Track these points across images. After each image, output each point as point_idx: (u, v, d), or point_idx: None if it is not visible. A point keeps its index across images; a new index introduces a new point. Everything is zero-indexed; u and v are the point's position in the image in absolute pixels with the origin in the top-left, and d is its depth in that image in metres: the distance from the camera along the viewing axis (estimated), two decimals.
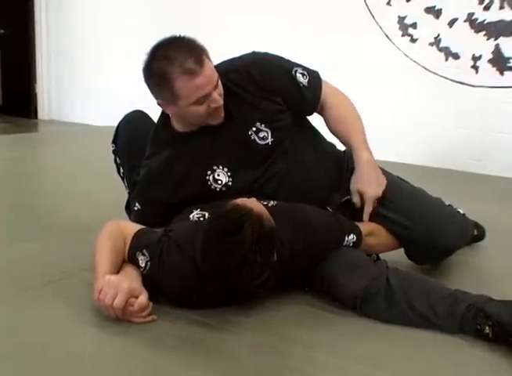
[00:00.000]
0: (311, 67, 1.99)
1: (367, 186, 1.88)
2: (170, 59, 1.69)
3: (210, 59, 1.75)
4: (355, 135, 1.95)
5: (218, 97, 1.75)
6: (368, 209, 1.88)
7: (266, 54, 1.95)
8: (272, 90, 1.87)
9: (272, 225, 1.54)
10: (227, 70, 1.85)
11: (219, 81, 1.76)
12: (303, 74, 1.93)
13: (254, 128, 1.86)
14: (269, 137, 1.87)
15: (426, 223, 1.90)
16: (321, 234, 1.74)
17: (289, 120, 1.91)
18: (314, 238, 1.72)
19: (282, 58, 1.97)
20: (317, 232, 1.73)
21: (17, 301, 1.74)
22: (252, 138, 1.86)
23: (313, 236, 1.72)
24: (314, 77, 1.96)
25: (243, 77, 1.86)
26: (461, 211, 2.07)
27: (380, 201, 1.91)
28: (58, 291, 1.79)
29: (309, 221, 1.74)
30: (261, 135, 1.86)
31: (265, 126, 1.86)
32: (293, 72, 1.92)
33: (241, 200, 1.59)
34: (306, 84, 1.92)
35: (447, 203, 2.09)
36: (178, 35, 1.77)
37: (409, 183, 2.08)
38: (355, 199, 1.90)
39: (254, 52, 1.95)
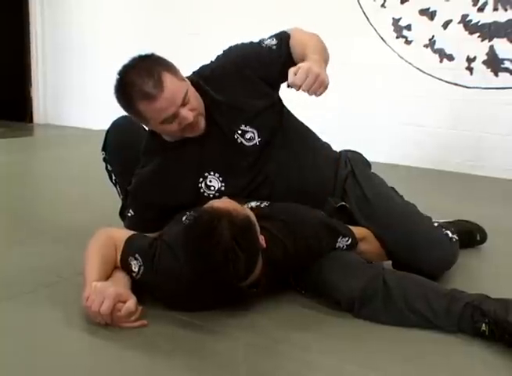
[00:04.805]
0: None
1: (309, 63, 1.67)
2: (130, 84, 1.70)
3: (176, 76, 1.73)
4: (309, 51, 1.81)
5: (187, 114, 1.73)
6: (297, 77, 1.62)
7: (233, 46, 1.94)
8: (254, 76, 1.85)
9: (244, 218, 1.55)
10: (205, 75, 1.85)
11: (189, 96, 1.73)
12: (271, 39, 1.91)
13: (239, 131, 1.86)
14: (256, 137, 1.86)
15: (408, 247, 1.88)
16: (314, 234, 1.74)
17: (275, 117, 1.89)
18: (307, 239, 1.73)
19: (247, 42, 1.95)
20: (310, 233, 1.73)
21: (12, 304, 1.73)
22: (239, 141, 1.86)
23: (306, 237, 1.73)
24: (281, 34, 1.92)
25: (220, 78, 1.85)
26: (449, 234, 1.99)
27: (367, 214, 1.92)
28: (53, 295, 1.78)
29: (302, 221, 1.75)
30: (248, 136, 1.86)
31: (251, 126, 1.86)
32: (262, 43, 1.91)
33: (208, 204, 1.61)
34: (277, 42, 1.89)
35: (441, 220, 2.07)
36: (143, 55, 1.76)
37: (401, 198, 2.05)
38: (290, 76, 1.65)
39: (224, 51, 1.94)
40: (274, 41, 1.91)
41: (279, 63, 1.88)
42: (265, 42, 1.91)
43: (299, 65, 1.67)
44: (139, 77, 1.69)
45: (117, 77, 1.74)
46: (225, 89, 1.85)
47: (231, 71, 1.86)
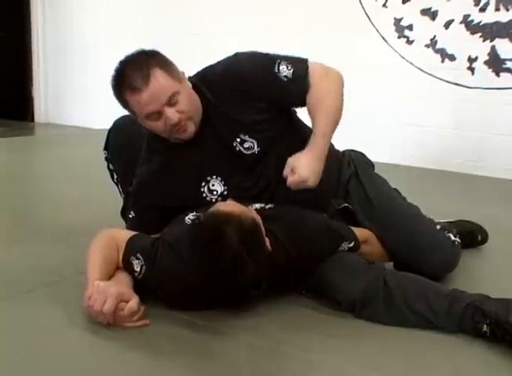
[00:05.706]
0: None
1: (303, 164, 1.73)
2: (123, 76, 1.73)
3: (171, 75, 1.72)
4: (319, 119, 1.82)
5: (172, 115, 1.71)
6: (291, 182, 1.72)
7: (247, 54, 1.88)
8: (254, 95, 1.82)
9: (251, 222, 1.54)
10: (207, 79, 1.84)
11: (180, 97, 1.72)
12: (287, 66, 1.82)
13: (238, 139, 1.84)
14: (255, 147, 1.85)
15: (410, 247, 1.87)
16: (316, 239, 1.73)
17: (276, 127, 1.87)
18: (309, 242, 1.72)
19: (264, 55, 1.88)
20: (312, 236, 1.73)
21: (12, 304, 1.73)
22: (237, 149, 1.85)
23: (308, 240, 1.72)
24: (299, 67, 1.83)
25: (223, 87, 1.82)
26: (452, 237, 1.98)
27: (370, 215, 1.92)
28: (54, 295, 1.78)
29: (305, 225, 1.74)
30: (247, 145, 1.84)
31: (250, 136, 1.84)
32: (276, 66, 1.82)
33: (215, 207, 1.61)
34: (291, 76, 1.81)
35: (442, 220, 2.07)
36: (146, 50, 1.78)
37: (404, 199, 2.04)
38: (286, 170, 1.74)
39: (236, 55, 1.89)
40: (289, 72, 1.81)
41: (285, 98, 1.85)
42: (281, 68, 1.82)
43: (297, 171, 1.71)
44: (131, 69, 1.72)
45: (115, 68, 1.77)
46: (224, 99, 1.82)
47: (232, 85, 1.81)
